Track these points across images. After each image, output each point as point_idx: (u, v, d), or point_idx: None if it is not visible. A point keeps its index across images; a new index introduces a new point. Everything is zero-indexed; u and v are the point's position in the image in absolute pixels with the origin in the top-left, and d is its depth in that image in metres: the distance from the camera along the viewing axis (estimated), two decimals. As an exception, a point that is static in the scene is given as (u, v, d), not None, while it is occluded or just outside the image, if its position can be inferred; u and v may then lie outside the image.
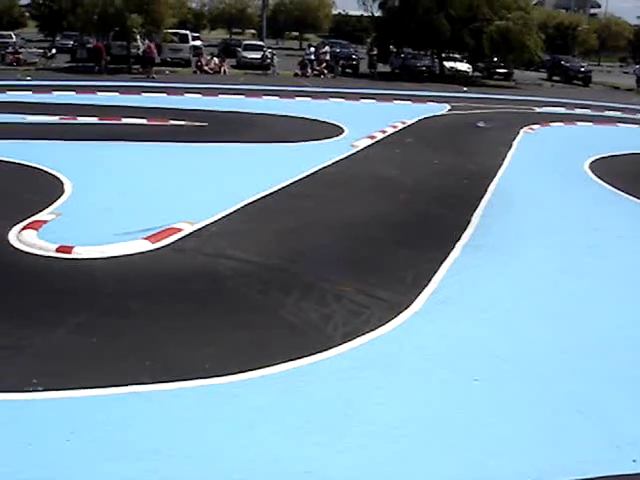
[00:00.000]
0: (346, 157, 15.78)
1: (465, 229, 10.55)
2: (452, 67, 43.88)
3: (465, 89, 35.20)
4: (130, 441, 5.13)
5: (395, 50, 45.14)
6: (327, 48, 43.60)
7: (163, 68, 38.37)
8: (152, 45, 35.60)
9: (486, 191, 13.13)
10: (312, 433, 5.32)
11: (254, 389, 5.89)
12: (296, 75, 39.67)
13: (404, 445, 5.21)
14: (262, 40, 52.19)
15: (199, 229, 9.88)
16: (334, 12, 79.80)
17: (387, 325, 7.15)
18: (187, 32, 43.70)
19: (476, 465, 5.03)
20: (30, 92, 25.63)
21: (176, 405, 5.61)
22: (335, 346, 6.63)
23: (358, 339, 6.80)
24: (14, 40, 49.71)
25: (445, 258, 9.19)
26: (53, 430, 5.24)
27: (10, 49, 42.85)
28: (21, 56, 40.66)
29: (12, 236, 9.36)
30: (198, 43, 47.08)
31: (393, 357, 6.57)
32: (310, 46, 44.19)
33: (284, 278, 8.36)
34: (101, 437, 5.17)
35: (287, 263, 8.83)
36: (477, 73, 44.31)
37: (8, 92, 25.40)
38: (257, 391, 5.86)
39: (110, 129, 18.71)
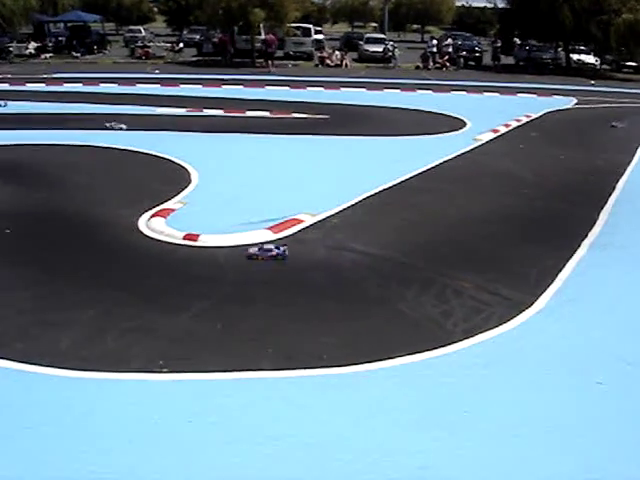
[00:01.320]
0: (468, 151, 15.52)
1: (592, 227, 10.17)
2: (579, 59, 42.34)
3: (592, 82, 33.90)
4: (250, 426, 5.25)
5: (519, 42, 44.00)
6: (450, 40, 42.96)
7: (285, 62, 38.93)
8: (270, 38, 36.06)
9: (614, 188, 12.61)
10: (429, 428, 5.28)
11: (372, 381, 5.91)
12: (417, 68, 39.33)
13: (522, 446, 5.10)
14: (384, 33, 51.96)
15: (320, 221, 9.99)
16: (457, 4, 78.66)
17: (509, 323, 7.01)
18: (310, 26, 44.07)
19: (596, 471, 4.86)
20: (158, 85, 26.55)
21: (296, 393, 5.70)
22: (455, 342, 6.56)
23: (479, 336, 6.71)
24: (143, 35, 51.68)
25: (571, 256, 8.90)
26: (176, 411, 5.45)
27: (139, 43, 44.55)
28: (150, 50, 42.15)
29: (142, 223, 9.77)
30: (320, 37, 47.41)
31: (514, 356, 6.43)
32: (432, 38, 43.65)
33: (404, 272, 8.32)
34: (222, 420, 5.33)
35: (407, 257, 8.78)
36: (605, 66, 42.57)
37: (138, 85, 26.42)
38: (375, 383, 5.88)
39: (235, 121, 19.12)
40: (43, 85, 26.38)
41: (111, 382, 5.81)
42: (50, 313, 7.05)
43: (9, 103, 20.73)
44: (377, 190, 11.65)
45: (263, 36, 36.95)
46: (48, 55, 41.53)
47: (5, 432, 5.18)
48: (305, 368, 6.04)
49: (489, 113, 21.74)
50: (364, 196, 11.26)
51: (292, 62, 39.40)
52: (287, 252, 8.51)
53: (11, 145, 15.02)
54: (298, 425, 5.28)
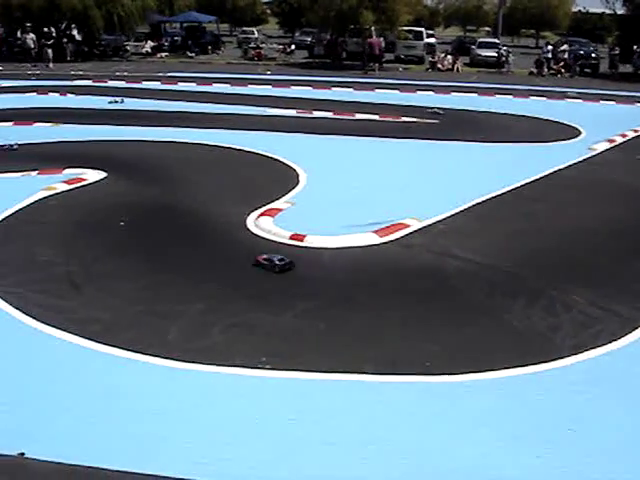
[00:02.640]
0: (582, 160, 15.04)
1: None
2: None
3: None
4: (350, 428, 5.24)
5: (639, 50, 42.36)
6: (566, 46, 41.79)
7: (396, 65, 38.84)
8: (374, 41, 35.98)
9: None
10: (532, 444, 5.13)
11: (475, 392, 5.79)
12: (531, 74, 38.45)
13: (628, 469, 4.88)
14: (497, 38, 51.09)
15: (426, 226, 9.89)
16: (574, 10, 76.51)
17: (620, 341, 6.73)
18: (422, 29, 43.80)
19: None
20: (270, 86, 26.97)
21: (398, 398, 5.65)
22: (562, 357, 6.35)
23: (587, 352, 6.47)
24: (256, 36, 52.71)
25: (689, 274, 8.50)
26: (278, 408, 5.48)
27: (252, 44, 45.41)
28: (262, 51, 42.89)
29: (250, 221, 9.93)
30: (432, 40, 47.04)
31: (624, 375, 6.17)
32: (547, 44, 42.57)
33: (511, 282, 8.13)
34: (323, 420, 5.33)
35: (515, 267, 8.58)
36: None
37: (250, 85, 26.92)
38: (478, 394, 5.76)
39: (343, 124, 19.21)
40: (158, 83, 27.25)
41: (215, 376, 5.91)
42: (159, 304, 7.26)
43: (126, 100, 21.52)
44: (486, 197, 11.44)
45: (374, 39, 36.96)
46: (163, 54, 42.89)
47: (112, 418, 5.34)
48: (408, 374, 5.98)
49: (605, 122, 21.01)
50: (473, 203, 11.08)
51: (403, 66, 39.27)
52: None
53: (127, 141, 15.59)
54: (398, 431, 5.23)
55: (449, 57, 40.14)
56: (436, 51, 42.84)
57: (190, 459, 4.85)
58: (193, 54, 42.69)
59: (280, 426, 5.26)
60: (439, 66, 39.01)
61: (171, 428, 5.22)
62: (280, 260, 8.23)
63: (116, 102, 21.32)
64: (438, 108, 21.29)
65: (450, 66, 38.92)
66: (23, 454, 4.89)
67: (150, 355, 6.17)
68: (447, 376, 5.98)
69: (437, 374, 5.99)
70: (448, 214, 10.43)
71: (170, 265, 8.45)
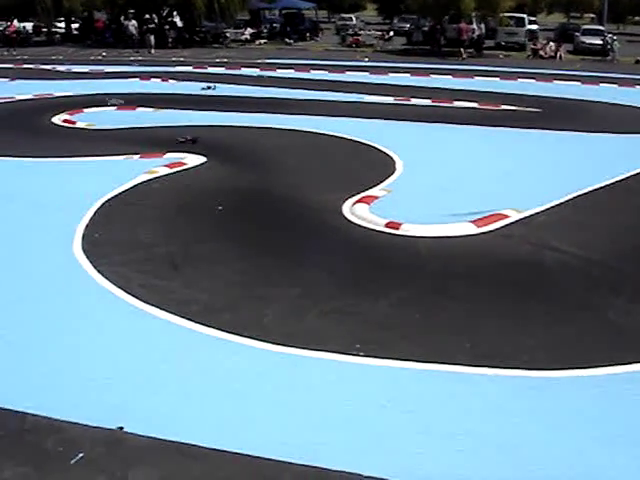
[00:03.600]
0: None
1: None
2: None
3: None
4: (443, 419, 5.18)
5: None
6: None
7: (497, 52, 38.04)
8: (463, 27, 35.26)
9: None
10: (630, 445, 4.94)
11: (573, 389, 5.63)
12: (637, 62, 37.01)
13: None
14: (602, 25, 49.34)
15: (526, 217, 9.65)
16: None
17: None
18: (524, 16, 42.72)
19: None
20: (367, 73, 26.87)
21: (492, 391, 5.55)
22: (669, 357, 6.11)
23: (695, 353, 6.20)
24: (354, 23, 52.56)
25: None
26: (371, 395, 5.48)
27: (350, 31, 45.30)
28: (360, 38, 42.74)
29: (346, 208, 9.94)
30: (534, 27, 45.79)
31: None
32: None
33: (614, 277, 7.85)
34: (415, 410, 5.30)
35: (619, 262, 8.27)
36: None
37: (347, 72, 26.90)
38: (576, 391, 5.59)
39: (442, 111, 18.96)
40: (257, 70, 27.54)
41: (309, 360, 5.96)
42: (256, 288, 7.36)
43: (225, 86, 21.85)
44: (590, 189, 11.08)
45: (474, 25, 36.30)
46: (262, 41, 43.32)
47: (207, 398, 5.46)
48: (503, 368, 5.86)
49: None
50: (575, 194, 10.74)
51: (503, 53, 38.43)
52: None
53: (226, 126, 15.85)
54: (491, 424, 5.14)
55: (552, 44, 38.98)
56: (538, 38, 41.69)
57: (281, 441, 4.90)
58: (291, 41, 42.94)
59: (372, 413, 5.26)
60: (541, 53, 37.94)
61: (263, 409, 5.30)
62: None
63: (209, 88, 21.68)
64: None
65: (553, 54, 37.80)
66: (122, 428, 5.05)
67: (246, 337, 6.26)
68: (544, 371, 5.83)
69: (534, 369, 5.85)
70: (549, 205, 10.15)
71: (266, 249, 8.55)
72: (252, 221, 9.61)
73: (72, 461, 4.73)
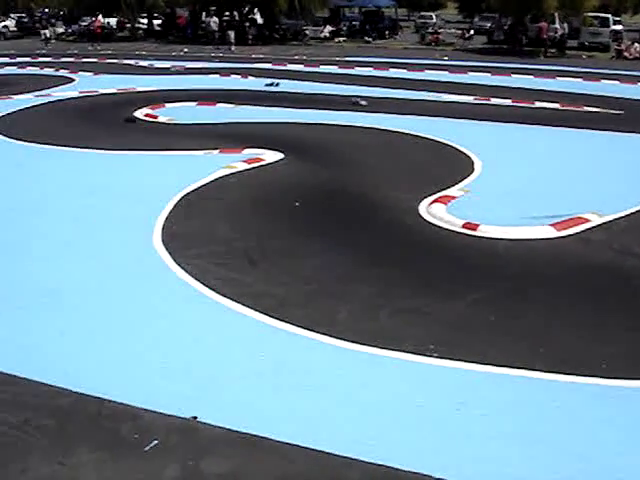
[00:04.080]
0: None
1: None
2: None
3: None
4: (517, 425, 5.10)
5: None
6: None
7: (580, 52, 37.15)
8: (542, 25, 34.48)
9: None
10: None
11: (654, 399, 5.47)
12: None
13: None
14: (693, 25, 47.66)
15: (608, 222, 9.41)
16: None
17: None
18: (608, 15, 41.57)
19: None
20: (446, 72, 26.60)
21: (568, 399, 5.43)
22: None
23: None
24: (434, 21, 52.08)
25: None
26: (444, 397, 5.44)
27: (430, 29, 44.91)
28: (440, 36, 42.34)
29: (422, 208, 9.87)
30: (618, 27, 44.53)
31: None
32: None
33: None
34: (488, 413, 5.24)
35: None
36: None
37: (426, 71, 26.70)
38: (657, 402, 5.44)
39: (522, 112, 18.61)
40: (335, 67, 27.59)
41: (382, 359, 5.95)
42: (331, 284, 7.39)
43: (304, 84, 21.96)
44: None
45: (557, 25, 35.52)
46: (341, 39, 43.34)
47: (279, 391, 5.52)
48: (580, 375, 5.73)
49: None
50: (659, 200, 10.41)
51: (586, 53, 37.49)
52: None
53: (303, 123, 15.92)
54: (566, 431, 5.04)
55: (637, 45, 37.84)
56: (623, 39, 40.50)
57: (352, 438, 4.91)
58: (370, 39, 42.84)
59: (444, 415, 5.22)
60: (626, 54, 36.84)
61: (335, 406, 5.32)
62: None
63: (272, 85, 21.87)
64: None
65: (638, 55, 36.70)
66: (196, 418, 5.14)
67: (319, 333, 6.29)
68: (623, 380, 5.68)
69: (612, 377, 5.70)
70: (631, 210, 9.86)
71: (342, 247, 8.57)
72: (328, 218, 9.65)
73: (146, 448, 4.85)
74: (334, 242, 8.72)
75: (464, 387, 5.58)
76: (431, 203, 9.98)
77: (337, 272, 7.77)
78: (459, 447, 4.86)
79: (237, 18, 41.55)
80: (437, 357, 5.95)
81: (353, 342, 6.15)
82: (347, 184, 11.17)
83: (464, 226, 9.05)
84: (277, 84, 22.00)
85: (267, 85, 21.94)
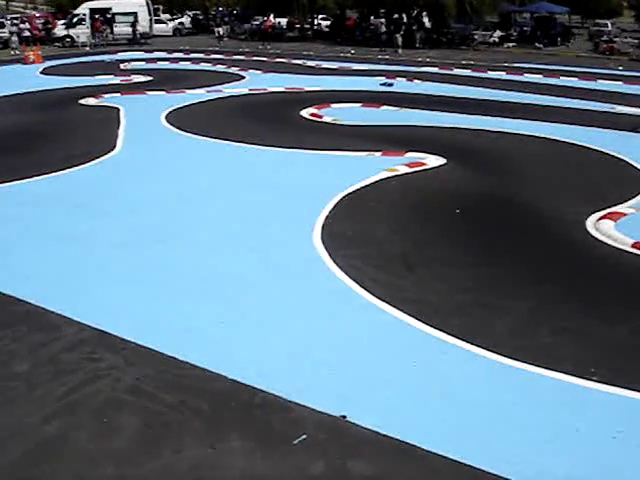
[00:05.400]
0: None
1: None
2: None
3: None
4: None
5: None
6: None
7: None
8: None
9: None
10: None
11: None
12: None
13: None
14: None
15: None
16: None
17: None
18: None
19: None
20: (621, 82, 25.35)
21: None
22: None
23: None
24: (609, 29, 49.77)
25: None
26: (602, 423, 5.19)
27: (605, 38, 43.00)
28: (615, 45, 40.44)
29: (589, 223, 9.46)
30: None
31: None
32: None
33: None
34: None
35: None
36: None
37: (598, 80, 25.54)
38: None
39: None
40: (503, 73, 26.95)
41: (538, 377, 5.74)
42: (488, 296, 7.23)
43: (469, 89, 21.62)
44: None
45: None
46: (510, 44, 42.30)
47: (429, 399, 5.46)
48: None
49: None
50: None
51: None
52: None
53: (467, 129, 15.66)
54: None
55: None
56: None
57: (500, 455, 4.80)
58: (541, 45, 41.57)
59: (601, 442, 4.98)
60: None
61: (486, 421, 5.20)
62: None
63: (387, 85, 22.11)
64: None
65: None
66: (345, 417, 5.17)
67: (475, 345, 6.16)
68: None
69: None
70: None
71: (501, 258, 8.37)
72: (489, 228, 9.44)
73: (295, 441, 4.93)
74: (493, 253, 8.53)
75: (624, 415, 5.30)
76: (599, 219, 9.53)
77: (495, 283, 7.59)
78: (615, 477, 4.61)
79: (405, 21, 41.49)
80: (597, 381, 5.67)
81: (509, 357, 5.98)
82: (510, 193, 10.87)
83: (634, 245, 8.57)
84: (391, 84, 22.35)
85: (382, 85, 22.39)
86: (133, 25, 40.87)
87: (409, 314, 6.70)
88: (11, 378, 5.78)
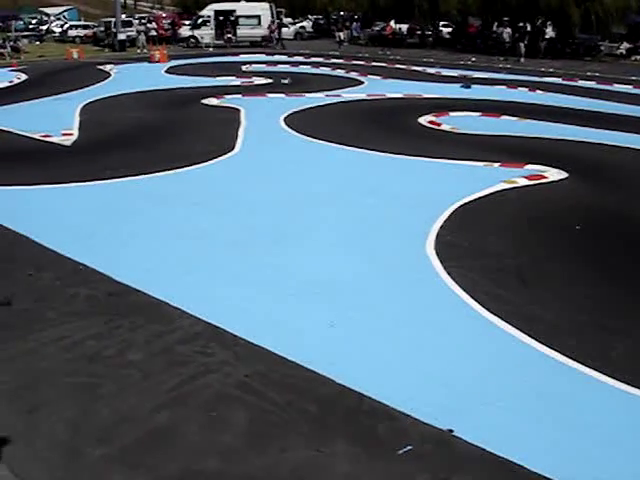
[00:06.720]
0: None
1: None
2: None
3: None
4: None
5: None
6: None
7: None
8: None
9: None
10: None
11: None
12: None
13: None
14: None
15: None
16: None
17: None
18: None
19: None
20: None
21: None
22: None
23: None
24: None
25: None
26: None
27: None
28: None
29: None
30: None
31: None
32: None
33: None
34: None
35: None
36: None
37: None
38: None
39: None
40: (630, 87, 25.93)
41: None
42: (606, 318, 6.95)
43: (593, 101, 20.94)
44: None
45: None
46: (639, 57, 40.72)
47: (540, 420, 5.29)
48: None
49: None
50: None
51: None
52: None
53: (591, 143, 15.14)
54: None
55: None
56: None
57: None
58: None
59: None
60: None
61: (600, 447, 5.01)
62: None
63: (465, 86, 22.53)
64: None
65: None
66: (452, 431, 5.08)
67: (590, 367, 5.94)
68: None
69: None
70: None
71: (622, 279, 8.04)
72: (610, 246, 9.08)
73: (400, 451, 4.88)
74: (613, 274, 8.19)
75: None
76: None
77: (614, 305, 7.28)
78: None
79: (529, 30, 40.57)
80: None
81: (627, 383, 5.73)
82: (634, 210, 10.42)
83: None
84: (469, 86, 22.99)
85: (462, 87, 23.48)
86: (279, 27, 42.45)
87: (523, 331, 6.53)
88: (126, 366, 5.99)
